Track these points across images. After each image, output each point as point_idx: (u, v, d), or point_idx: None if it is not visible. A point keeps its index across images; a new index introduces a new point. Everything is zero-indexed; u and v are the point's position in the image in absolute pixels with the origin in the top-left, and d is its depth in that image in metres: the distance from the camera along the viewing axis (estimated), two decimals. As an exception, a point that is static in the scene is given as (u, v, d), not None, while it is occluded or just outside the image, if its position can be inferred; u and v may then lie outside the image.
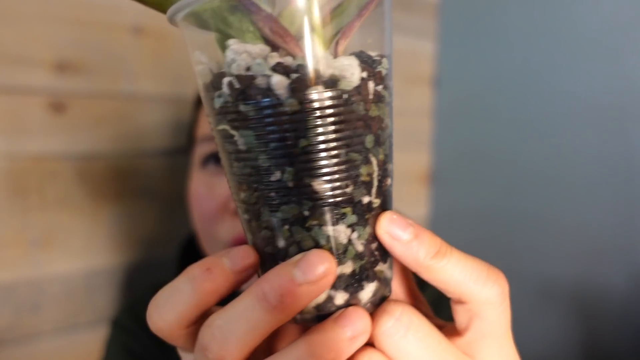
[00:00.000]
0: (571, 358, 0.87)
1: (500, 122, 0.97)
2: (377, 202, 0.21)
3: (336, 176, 0.20)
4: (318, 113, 0.19)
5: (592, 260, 0.85)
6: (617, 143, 0.82)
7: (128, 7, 0.67)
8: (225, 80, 0.20)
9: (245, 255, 0.21)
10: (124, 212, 0.70)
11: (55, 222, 0.65)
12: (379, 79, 0.21)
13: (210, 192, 0.51)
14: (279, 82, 0.19)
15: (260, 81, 0.19)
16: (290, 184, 0.20)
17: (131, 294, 0.71)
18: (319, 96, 0.19)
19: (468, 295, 0.21)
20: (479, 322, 0.22)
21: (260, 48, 0.20)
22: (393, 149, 0.23)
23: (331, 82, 0.20)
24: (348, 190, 0.20)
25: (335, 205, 0.20)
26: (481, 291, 0.21)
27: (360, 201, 0.21)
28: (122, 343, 0.57)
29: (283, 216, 0.20)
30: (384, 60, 0.22)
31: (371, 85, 0.21)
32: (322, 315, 0.21)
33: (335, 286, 0.21)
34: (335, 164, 0.20)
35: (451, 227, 1.05)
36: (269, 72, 0.19)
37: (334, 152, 0.20)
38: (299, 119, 0.19)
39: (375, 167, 0.21)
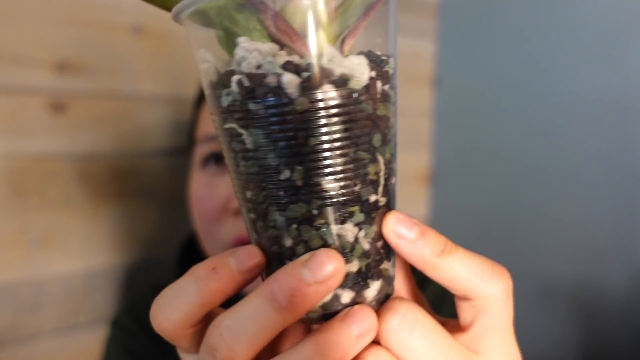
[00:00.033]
0: (571, 358, 0.87)
1: (500, 122, 0.97)
2: (383, 200, 0.21)
3: (345, 175, 0.20)
4: (328, 112, 0.19)
5: (592, 260, 0.85)
6: (617, 142, 0.83)
7: (128, 7, 0.67)
8: (235, 78, 0.20)
9: (252, 255, 0.21)
10: (123, 212, 0.70)
11: (55, 222, 0.64)
12: (386, 78, 0.21)
13: (211, 193, 0.51)
14: (290, 80, 0.19)
15: (270, 79, 0.19)
16: (299, 183, 0.20)
17: (131, 294, 0.71)
18: (330, 95, 0.19)
19: (474, 291, 0.21)
20: (483, 317, 0.22)
21: (269, 46, 0.20)
22: (397, 148, 0.23)
23: (341, 81, 0.20)
24: (356, 188, 0.20)
25: (344, 203, 0.20)
26: (487, 287, 0.21)
27: (367, 200, 0.21)
28: (121, 343, 0.57)
29: (291, 215, 0.20)
30: (391, 60, 0.22)
31: (379, 84, 0.21)
32: (328, 314, 0.21)
33: (341, 285, 0.21)
34: (344, 163, 0.20)
35: (451, 227, 1.05)
36: (279, 71, 0.19)
37: (343, 151, 0.20)
38: (309, 117, 0.19)
39: (382, 166, 0.21)
